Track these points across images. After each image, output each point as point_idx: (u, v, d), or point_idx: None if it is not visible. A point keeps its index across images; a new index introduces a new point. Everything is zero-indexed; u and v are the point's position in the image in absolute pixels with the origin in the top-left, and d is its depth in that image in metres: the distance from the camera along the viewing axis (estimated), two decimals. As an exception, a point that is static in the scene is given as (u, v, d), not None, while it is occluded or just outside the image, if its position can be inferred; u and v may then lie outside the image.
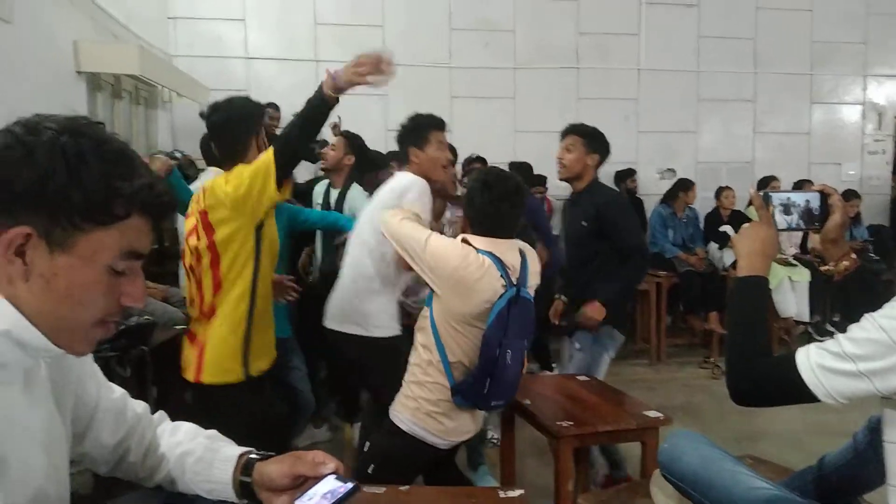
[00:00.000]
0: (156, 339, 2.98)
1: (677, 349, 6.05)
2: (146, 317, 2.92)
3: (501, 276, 2.13)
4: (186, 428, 1.24)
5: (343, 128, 4.77)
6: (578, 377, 2.95)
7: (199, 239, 2.21)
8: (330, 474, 1.07)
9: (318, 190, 4.09)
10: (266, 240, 2.26)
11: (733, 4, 7.19)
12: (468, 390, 2.15)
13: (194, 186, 3.48)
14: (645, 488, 1.96)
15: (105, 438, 1.15)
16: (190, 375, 2.27)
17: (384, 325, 2.64)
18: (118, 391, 1.21)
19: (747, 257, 1.48)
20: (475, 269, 2.11)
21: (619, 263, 3.03)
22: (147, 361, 2.82)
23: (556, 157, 3.18)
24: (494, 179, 2.23)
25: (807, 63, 7.39)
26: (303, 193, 4.23)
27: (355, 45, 6.80)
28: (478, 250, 2.16)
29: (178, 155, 3.42)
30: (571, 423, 2.40)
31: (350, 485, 1.05)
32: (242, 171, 2.18)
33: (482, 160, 5.04)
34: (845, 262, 1.61)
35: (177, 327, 3.29)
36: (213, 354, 2.24)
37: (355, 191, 3.83)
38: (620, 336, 3.14)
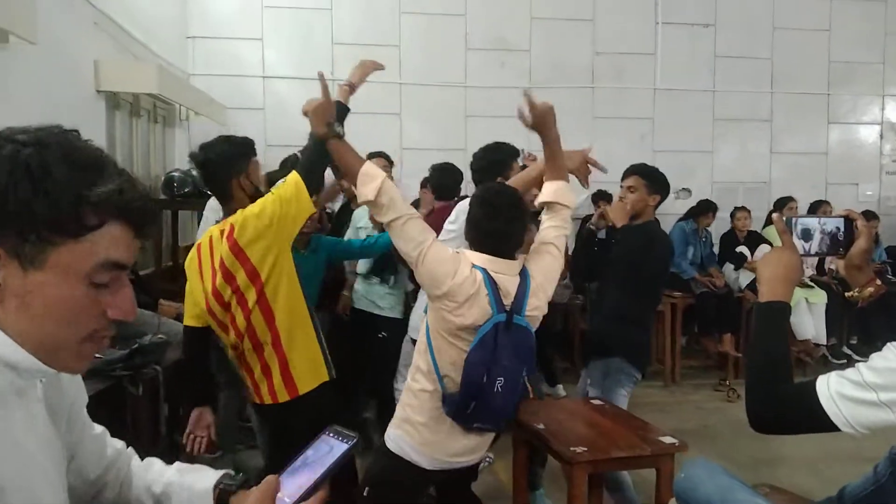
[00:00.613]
0: (169, 358, 2.98)
1: (692, 371, 5.99)
2: (160, 336, 2.93)
3: (490, 295, 2.05)
4: (158, 466, 1.20)
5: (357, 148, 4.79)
6: (593, 401, 2.92)
7: (228, 282, 2.25)
8: (325, 433, 1.02)
9: (360, 213, 4.02)
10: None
11: (750, 24, 7.18)
12: (452, 404, 2.09)
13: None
14: (660, 517, 1.93)
15: (87, 471, 1.12)
16: (280, 397, 2.30)
17: None
18: (99, 427, 1.17)
19: (769, 282, 1.45)
20: (469, 285, 2.04)
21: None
22: (160, 381, 2.82)
23: (619, 197, 3.19)
24: (493, 196, 2.17)
25: (824, 83, 7.36)
26: (339, 225, 4.18)
27: (371, 64, 6.85)
28: (473, 265, 2.09)
29: None
30: (585, 448, 2.37)
31: (346, 444, 0.99)
32: (266, 201, 2.24)
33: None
34: (870, 289, 1.57)
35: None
36: (301, 364, 2.30)
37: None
38: (635, 372, 3.05)
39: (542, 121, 2.32)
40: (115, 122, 4.58)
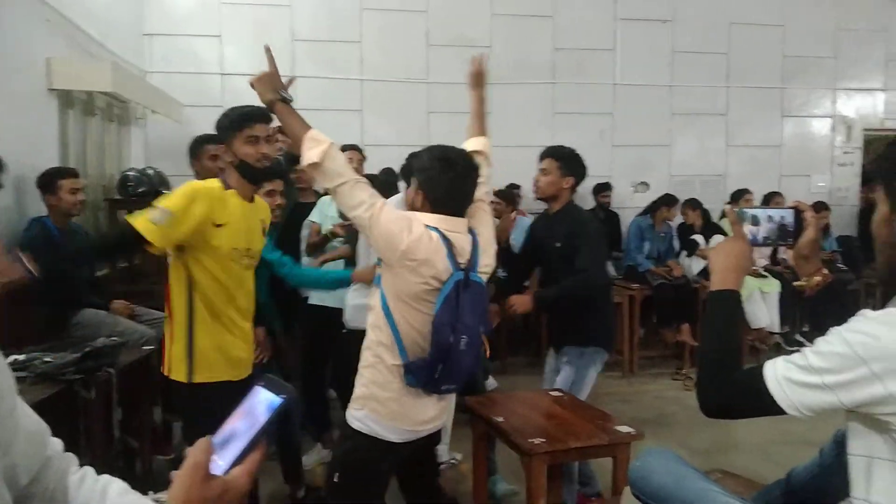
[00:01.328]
0: (123, 360, 2.94)
1: (650, 361, 6.09)
2: (113, 338, 2.89)
3: (447, 254, 2.05)
4: (102, 483, 1.08)
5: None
6: (551, 392, 2.96)
7: None
8: (257, 386, 0.93)
9: (327, 200, 3.81)
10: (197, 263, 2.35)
11: (707, 20, 7.31)
12: (418, 372, 2.06)
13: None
14: (615, 505, 1.97)
15: (18, 474, 0.99)
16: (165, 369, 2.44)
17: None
18: (37, 422, 1.06)
19: (721, 272, 1.48)
20: (426, 242, 2.03)
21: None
22: (113, 384, 2.78)
23: (533, 179, 3.21)
24: (455, 156, 2.15)
25: (778, 77, 7.52)
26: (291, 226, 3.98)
27: (332, 60, 6.88)
28: (428, 227, 2.07)
29: None
30: (543, 440, 2.40)
31: (280, 398, 0.90)
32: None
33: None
34: (817, 278, 1.64)
35: (145, 348, 3.26)
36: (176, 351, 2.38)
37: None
38: (606, 353, 3.21)
39: (482, 80, 2.62)
40: (68, 121, 4.48)
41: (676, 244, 6.33)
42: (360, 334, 2.31)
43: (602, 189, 6.81)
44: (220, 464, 0.89)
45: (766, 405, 1.26)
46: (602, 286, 3.27)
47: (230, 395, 2.32)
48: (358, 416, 2.14)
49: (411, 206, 2.19)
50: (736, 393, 1.32)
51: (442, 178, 2.11)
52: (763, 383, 1.26)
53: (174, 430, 3.66)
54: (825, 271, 1.64)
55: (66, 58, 4.32)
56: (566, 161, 3.15)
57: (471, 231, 2.18)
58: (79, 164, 4.61)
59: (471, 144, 2.42)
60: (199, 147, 3.52)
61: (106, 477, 1.09)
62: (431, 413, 2.18)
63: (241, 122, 2.39)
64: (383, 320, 2.10)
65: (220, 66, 6.35)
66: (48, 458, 1.05)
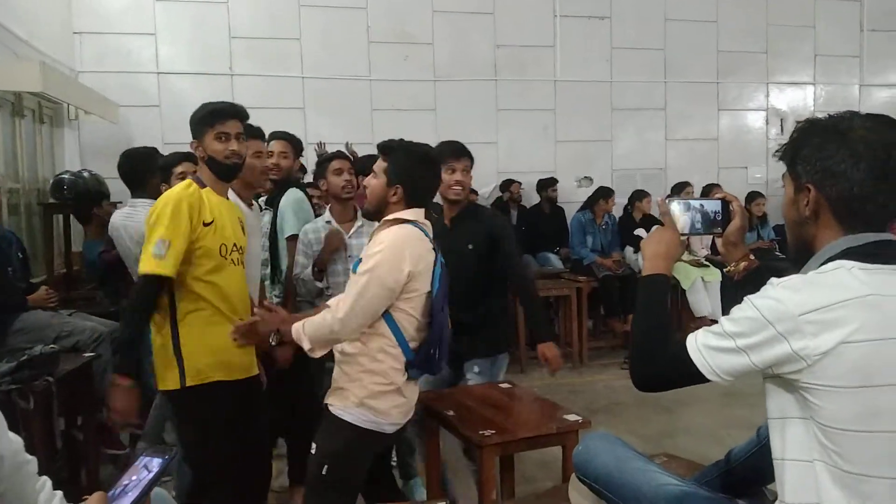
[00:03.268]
0: (63, 368, 2.84)
1: (599, 352, 6.20)
2: (52, 346, 2.79)
3: (430, 241, 2.25)
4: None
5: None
6: (501, 384, 2.98)
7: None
8: (142, 454, 1.08)
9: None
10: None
11: (643, 16, 7.47)
12: (423, 359, 2.23)
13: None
14: (565, 493, 1.99)
15: None
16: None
17: None
18: None
19: (651, 259, 1.56)
20: (419, 252, 2.18)
21: (501, 283, 3.09)
22: (52, 392, 2.68)
23: (456, 181, 2.99)
24: (433, 155, 2.37)
25: (713, 72, 7.74)
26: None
27: (271, 58, 6.79)
28: (410, 222, 2.22)
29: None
30: (494, 431, 2.41)
31: (161, 459, 1.06)
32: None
33: None
34: (744, 263, 1.72)
35: (86, 355, 3.16)
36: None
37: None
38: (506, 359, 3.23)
39: None
40: (-5, 123, 4.33)
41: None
42: None
43: (549, 184, 6.89)
44: None
45: (689, 373, 1.33)
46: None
47: (226, 396, 2.33)
48: (355, 413, 2.19)
49: (380, 200, 2.27)
50: (665, 365, 1.39)
51: (427, 178, 2.30)
52: (686, 353, 1.33)
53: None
54: (752, 257, 1.73)
55: (-10, 58, 4.17)
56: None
57: None
58: (9, 168, 4.45)
59: None
60: (171, 166, 3.28)
61: (58, 493, 1.13)
62: (413, 401, 2.32)
63: (212, 118, 2.37)
64: (386, 330, 2.19)
65: (156, 65, 6.19)
66: (1, 457, 1.07)
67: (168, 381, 2.32)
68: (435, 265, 2.23)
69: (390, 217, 2.24)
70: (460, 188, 3.02)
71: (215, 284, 2.34)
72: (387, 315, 2.18)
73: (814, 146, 1.34)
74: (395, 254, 2.13)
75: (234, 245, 2.43)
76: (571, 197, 7.17)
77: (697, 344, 1.33)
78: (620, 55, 7.43)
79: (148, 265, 2.21)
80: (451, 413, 2.60)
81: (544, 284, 5.92)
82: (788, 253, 1.49)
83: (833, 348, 1.20)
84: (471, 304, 2.95)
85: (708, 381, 1.32)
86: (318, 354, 2.20)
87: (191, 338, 2.31)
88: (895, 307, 1.23)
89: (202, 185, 2.39)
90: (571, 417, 2.54)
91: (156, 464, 1.04)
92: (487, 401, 2.77)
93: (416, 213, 2.26)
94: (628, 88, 7.45)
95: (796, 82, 8.05)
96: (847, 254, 1.28)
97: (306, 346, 2.16)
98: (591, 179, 7.28)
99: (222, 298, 2.37)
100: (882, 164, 1.27)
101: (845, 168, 1.28)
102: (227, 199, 2.50)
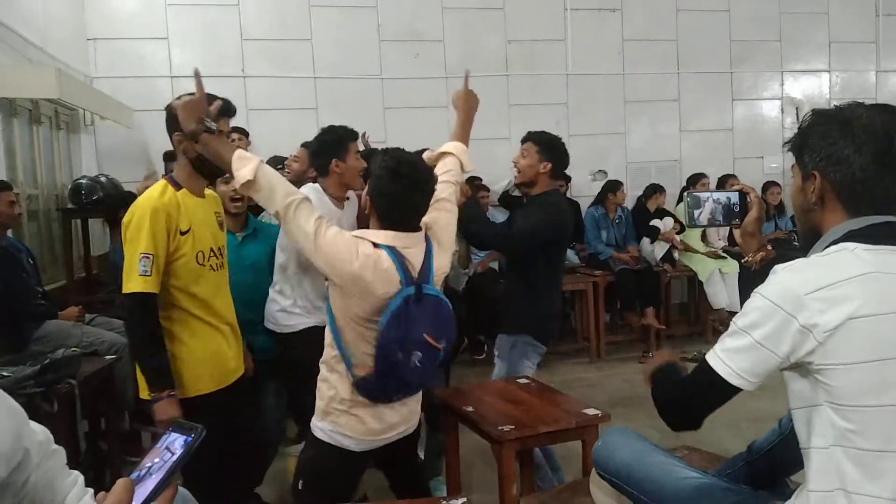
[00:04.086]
0: (86, 370, 2.88)
1: (616, 346, 6.18)
2: (73, 349, 2.82)
3: (399, 272, 1.99)
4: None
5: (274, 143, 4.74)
6: (519, 380, 2.98)
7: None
8: (168, 430, 1.02)
9: None
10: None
11: (654, 7, 7.41)
12: (368, 387, 2.04)
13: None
14: (585, 487, 1.99)
15: None
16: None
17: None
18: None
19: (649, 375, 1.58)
20: (370, 272, 1.96)
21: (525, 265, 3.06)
22: (75, 395, 2.72)
23: (512, 161, 3.15)
24: (406, 167, 2.04)
25: (726, 62, 7.67)
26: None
27: (283, 59, 6.81)
28: (376, 244, 2.01)
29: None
30: (513, 426, 2.42)
31: (189, 437, 1.00)
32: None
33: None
34: (761, 253, 1.74)
35: (108, 357, 3.20)
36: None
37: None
38: (541, 345, 3.10)
39: (468, 105, 2.61)
40: (14, 131, 4.37)
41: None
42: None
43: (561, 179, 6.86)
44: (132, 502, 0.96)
45: (718, 388, 1.34)
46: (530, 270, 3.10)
47: (212, 405, 2.29)
48: (320, 426, 2.15)
49: (364, 210, 2.20)
50: (692, 391, 1.42)
51: (388, 190, 2.03)
52: (709, 367, 1.34)
53: (143, 435, 3.63)
54: (769, 247, 1.75)
55: (7, 65, 4.21)
56: (544, 146, 3.09)
57: (427, 239, 2.14)
58: (28, 174, 4.51)
59: (445, 146, 2.44)
60: None
61: (89, 490, 1.19)
62: (393, 419, 2.16)
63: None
64: (331, 339, 2.09)
65: (170, 69, 6.23)
66: (26, 449, 1.10)
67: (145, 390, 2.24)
68: (393, 300, 1.97)
69: (357, 233, 2.08)
70: (516, 170, 3.15)
71: (194, 294, 2.27)
72: (333, 326, 2.06)
73: (819, 135, 1.37)
74: (347, 241, 1.99)
75: (212, 250, 2.35)
76: (586, 191, 7.14)
77: (716, 352, 1.35)
78: (632, 47, 7.38)
79: (135, 284, 2.13)
80: (469, 409, 2.61)
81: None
82: (801, 241, 1.51)
83: (842, 324, 1.22)
84: (522, 287, 3.07)
85: (736, 389, 1.32)
86: (238, 183, 2.04)
87: (173, 351, 2.24)
88: None
89: (177, 187, 2.27)
90: (591, 412, 2.54)
91: (179, 444, 0.99)
92: (506, 396, 2.77)
93: (392, 237, 2.03)
94: (641, 80, 7.40)
95: (811, 70, 7.96)
96: (850, 236, 1.31)
97: (244, 171, 2.00)
98: (605, 173, 7.24)
99: (204, 308, 2.30)
100: (885, 149, 1.30)
101: (849, 154, 1.32)
102: (203, 196, 2.39)
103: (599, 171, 7.32)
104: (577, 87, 7.22)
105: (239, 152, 2.07)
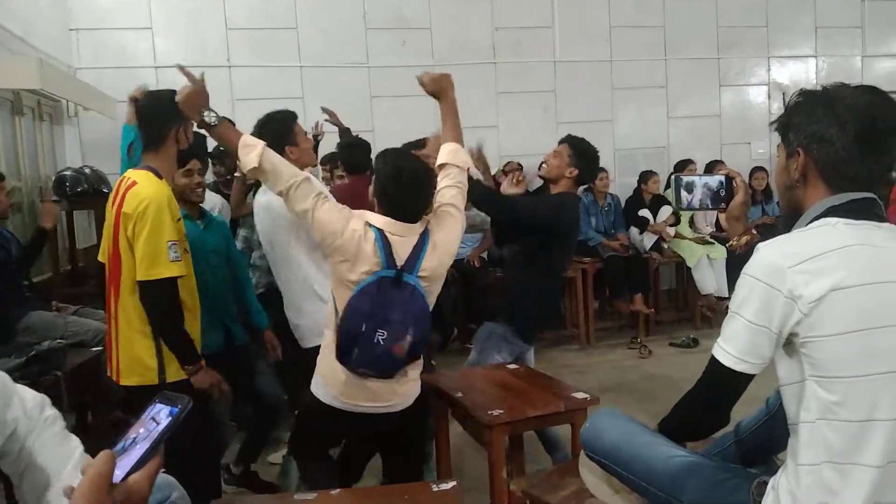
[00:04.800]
0: (71, 362, 2.86)
1: (606, 332, 6.20)
2: (59, 341, 2.80)
3: (381, 253, 2.14)
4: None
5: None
6: (508, 366, 2.99)
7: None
8: (155, 401, 1.01)
9: None
10: None
11: (641, -7, 7.39)
12: (343, 350, 2.18)
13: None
14: (574, 469, 2.00)
15: None
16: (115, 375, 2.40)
17: None
18: None
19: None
20: (357, 241, 2.14)
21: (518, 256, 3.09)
22: (61, 386, 2.70)
23: (544, 157, 3.22)
24: (407, 172, 2.21)
25: (714, 48, 7.66)
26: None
27: (269, 48, 6.75)
28: (370, 224, 2.18)
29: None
30: (502, 411, 2.42)
31: (175, 408, 0.98)
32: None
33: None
34: (746, 237, 1.75)
35: (94, 349, 3.17)
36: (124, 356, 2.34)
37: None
38: (518, 341, 3.11)
39: (437, 87, 2.63)
40: (-5, 122, 4.32)
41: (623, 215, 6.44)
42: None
43: (549, 166, 6.86)
44: (117, 473, 0.94)
45: (727, 381, 1.36)
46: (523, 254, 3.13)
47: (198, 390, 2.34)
48: (313, 379, 2.34)
49: (371, 204, 2.30)
50: (701, 390, 1.46)
51: (390, 193, 2.21)
52: (715, 362, 1.37)
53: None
54: (754, 231, 1.77)
55: (-13, 56, 4.16)
56: (577, 151, 3.12)
57: (425, 233, 2.24)
58: (11, 166, 4.46)
59: (441, 155, 2.48)
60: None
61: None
62: (373, 388, 2.25)
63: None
64: (331, 301, 2.25)
65: (154, 59, 6.16)
66: (15, 418, 1.10)
67: (143, 377, 2.31)
68: (370, 277, 2.13)
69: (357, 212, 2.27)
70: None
71: (184, 278, 2.34)
72: (332, 285, 2.26)
73: (804, 114, 1.39)
74: (340, 214, 2.19)
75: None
76: (575, 178, 7.14)
77: (718, 343, 1.37)
78: (620, 33, 7.36)
79: (167, 270, 2.23)
80: (459, 395, 2.61)
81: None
82: (783, 220, 1.53)
83: (825, 295, 1.24)
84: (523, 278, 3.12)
85: (744, 375, 1.34)
86: (245, 169, 2.24)
87: None
88: (881, 255, 1.28)
89: (160, 177, 2.34)
90: (580, 395, 2.55)
91: (165, 414, 0.97)
92: (496, 381, 2.78)
93: (386, 223, 2.20)
94: (628, 67, 7.39)
95: (798, 55, 7.97)
96: (831, 211, 1.34)
97: (249, 157, 2.19)
98: (593, 160, 7.24)
99: (189, 292, 2.40)
100: (867, 128, 1.32)
101: (832, 133, 1.34)
102: None
103: (588, 158, 7.31)
104: (565, 74, 7.20)
105: (244, 139, 2.25)
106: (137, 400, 2.39)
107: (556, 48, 7.19)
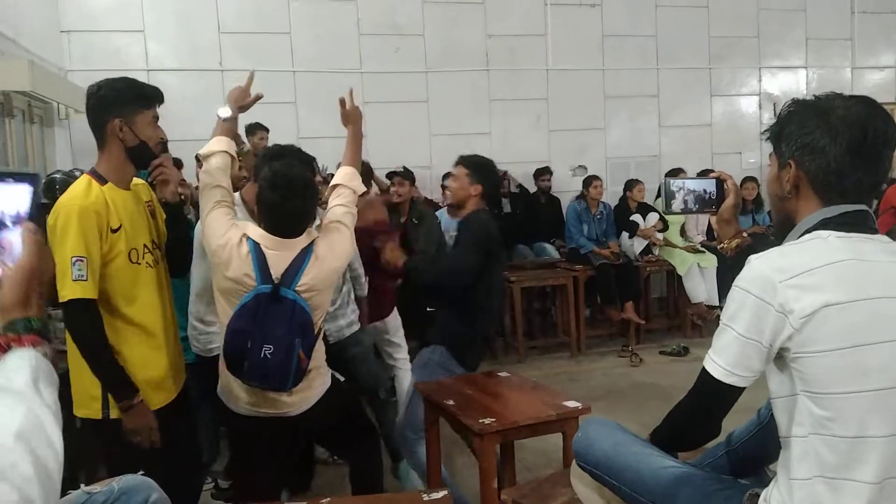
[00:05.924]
0: (62, 367, 2.82)
1: (597, 340, 6.20)
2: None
3: (254, 267, 2.15)
4: None
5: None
6: (499, 374, 2.98)
7: None
8: None
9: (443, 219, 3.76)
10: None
11: (634, 3, 7.45)
12: (231, 361, 2.18)
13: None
14: (566, 479, 1.98)
15: None
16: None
17: None
18: None
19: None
20: (229, 251, 2.17)
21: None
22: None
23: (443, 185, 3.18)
24: (282, 180, 2.20)
25: (705, 58, 7.72)
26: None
27: (261, 53, 6.75)
28: (248, 238, 2.20)
29: None
30: (493, 419, 2.41)
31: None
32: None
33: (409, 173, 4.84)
34: (737, 240, 1.75)
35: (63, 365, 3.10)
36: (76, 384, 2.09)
37: None
38: (456, 368, 3.00)
39: (352, 117, 2.66)
40: (-15, 124, 4.29)
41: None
42: None
43: (542, 173, 6.87)
44: None
45: (719, 394, 1.35)
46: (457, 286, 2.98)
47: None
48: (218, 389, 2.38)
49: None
50: (691, 402, 1.45)
51: (265, 198, 2.22)
52: (706, 374, 1.36)
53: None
54: (745, 234, 1.77)
55: (-24, 57, 4.13)
56: (474, 168, 3.06)
57: (308, 248, 2.23)
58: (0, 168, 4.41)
59: (336, 177, 2.53)
60: None
61: None
62: (251, 398, 2.27)
63: (148, 101, 2.13)
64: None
65: (146, 63, 6.15)
66: None
67: (88, 408, 2.05)
68: (247, 294, 2.12)
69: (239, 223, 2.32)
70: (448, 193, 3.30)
71: (132, 298, 2.09)
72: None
73: (796, 124, 1.38)
74: (222, 223, 2.24)
75: (145, 246, 2.16)
76: (566, 186, 7.16)
77: (709, 354, 1.36)
78: (612, 42, 7.40)
79: (71, 291, 1.93)
80: (451, 403, 2.59)
81: (541, 274, 5.94)
82: (774, 230, 1.52)
83: (817, 311, 1.23)
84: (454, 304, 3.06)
85: (734, 388, 1.33)
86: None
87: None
88: (873, 270, 1.27)
89: (102, 181, 2.07)
90: (571, 404, 2.53)
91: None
92: (487, 390, 2.76)
93: (263, 237, 2.21)
94: (621, 76, 7.43)
95: (788, 66, 8.05)
96: (824, 224, 1.33)
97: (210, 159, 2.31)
98: (585, 168, 7.26)
99: (142, 314, 2.12)
100: (859, 140, 1.32)
101: (825, 144, 1.33)
102: (131, 188, 2.18)
103: (579, 166, 7.34)
104: (558, 83, 7.23)
105: (219, 138, 2.36)
106: (86, 436, 2.21)
107: (549, 56, 7.22)
